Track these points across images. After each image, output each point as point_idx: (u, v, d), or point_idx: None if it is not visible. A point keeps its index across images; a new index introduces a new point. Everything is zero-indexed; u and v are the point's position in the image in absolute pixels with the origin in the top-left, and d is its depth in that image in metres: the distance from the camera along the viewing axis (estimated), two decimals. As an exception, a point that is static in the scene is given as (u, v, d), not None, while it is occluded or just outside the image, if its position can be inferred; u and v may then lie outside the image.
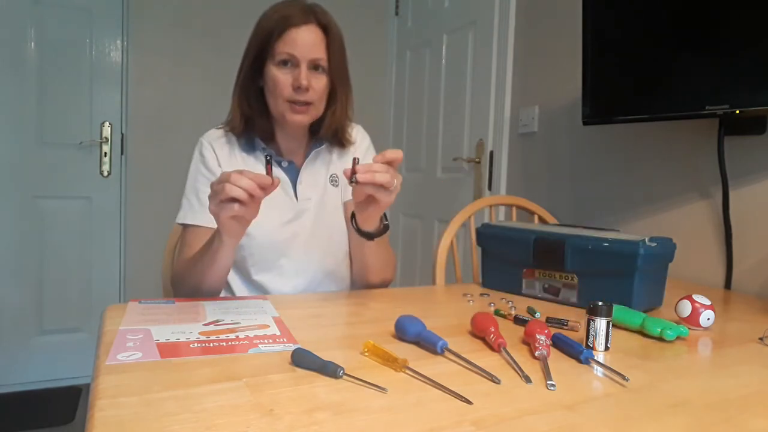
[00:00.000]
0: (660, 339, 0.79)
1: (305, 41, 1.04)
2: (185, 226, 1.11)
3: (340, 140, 1.20)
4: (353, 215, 1.02)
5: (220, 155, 1.13)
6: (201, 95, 2.61)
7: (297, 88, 1.05)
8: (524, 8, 2.05)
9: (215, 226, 1.07)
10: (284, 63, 1.05)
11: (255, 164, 1.14)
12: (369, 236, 1.01)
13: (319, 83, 1.07)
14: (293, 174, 1.16)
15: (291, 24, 1.04)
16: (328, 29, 1.07)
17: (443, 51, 2.53)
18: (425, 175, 2.67)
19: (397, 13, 2.96)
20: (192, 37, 2.60)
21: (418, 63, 2.74)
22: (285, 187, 1.15)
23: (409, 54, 2.85)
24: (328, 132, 1.16)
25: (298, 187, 1.16)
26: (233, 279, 1.16)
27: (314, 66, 1.07)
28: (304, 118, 1.09)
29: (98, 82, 2.48)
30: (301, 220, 1.16)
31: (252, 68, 1.09)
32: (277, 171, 1.15)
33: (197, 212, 1.10)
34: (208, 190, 1.08)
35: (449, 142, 2.48)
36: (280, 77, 1.05)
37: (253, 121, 1.12)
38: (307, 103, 1.07)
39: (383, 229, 1.03)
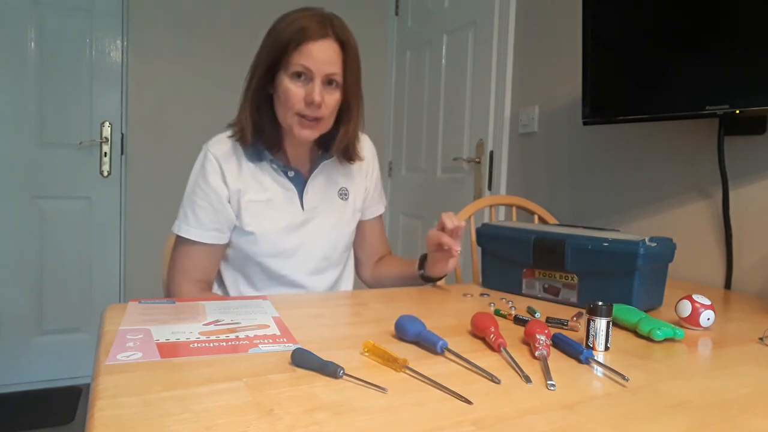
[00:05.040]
0: (648, 339, 0.79)
1: (321, 56, 1.02)
2: (177, 237, 1.12)
3: (350, 156, 1.19)
4: (422, 261, 1.15)
5: (227, 168, 1.10)
6: (201, 95, 2.62)
7: (309, 103, 1.03)
8: (524, 8, 2.05)
9: (207, 241, 1.10)
10: (298, 75, 1.03)
11: (262, 175, 1.13)
12: (428, 280, 1.15)
13: (331, 99, 1.06)
14: (300, 184, 1.16)
15: (308, 37, 1.01)
16: (345, 45, 1.05)
17: (443, 51, 2.53)
18: (425, 175, 2.67)
19: (397, 13, 2.96)
20: (192, 38, 2.60)
21: (418, 63, 2.74)
22: (291, 197, 1.15)
23: (409, 54, 2.85)
24: (339, 148, 1.16)
25: (305, 197, 1.16)
26: (246, 290, 1.17)
27: (328, 81, 1.05)
28: (312, 134, 1.07)
29: (98, 82, 2.48)
30: (306, 229, 1.16)
31: (265, 76, 1.06)
32: (283, 180, 1.14)
33: (191, 227, 1.10)
34: (205, 205, 1.10)
35: (449, 142, 2.48)
36: (292, 89, 1.03)
37: (262, 129, 1.10)
38: (317, 119, 1.06)
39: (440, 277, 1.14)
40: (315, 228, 1.17)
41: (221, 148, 1.11)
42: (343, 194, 1.21)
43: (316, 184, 1.17)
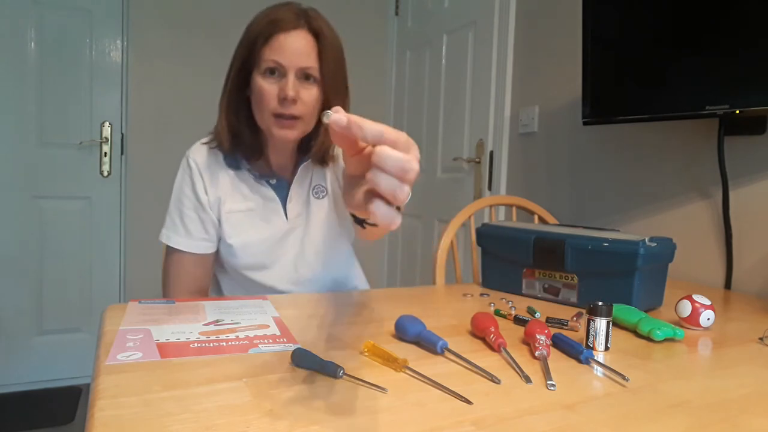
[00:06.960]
0: (648, 339, 0.79)
1: (293, 48, 0.94)
2: (168, 247, 1.08)
3: (325, 160, 1.10)
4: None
5: (206, 176, 1.06)
6: (201, 95, 2.61)
7: (283, 99, 0.95)
8: (524, 8, 2.05)
9: (198, 251, 1.07)
10: (271, 72, 0.96)
11: (242, 183, 1.08)
12: (361, 223, 0.80)
13: (309, 95, 0.98)
14: (283, 192, 1.09)
15: (279, 29, 0.94)
16: (320, 35, 0.97)
17: (443, 51, 2.53)
18: (425, 175, 2.67)
19: (397, 13, 2.96)
20: (192, 37, 2.60)
21: (418, 63, 2.74)
22: (275, 207, 1.09)
23: (409, 54, 2.85)
24: (320, 151, 1.07)
25: (288, 205, 1.10)
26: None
27: (304, 76, 0.97)
28: (290, 134, 0.99)
29: (98, 82, 2.48)
30: (290, 240, 1.11)
31: (239, 77, 1.00)
32: (265, 190, 1.08)
33: (181, 237, 1.06)
34: (192, 215, 1.06)
35: (449, 142, 2.48)
36: (265, 87, 0.96)
37: (241, 136, 1.04)
38: (295, 117, 0.97)
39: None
40: (297, 236, 1.12)
41: (200, 155, 1.07)
42: (317, 192, 1.13)
43: (298, 189, 1.11)
